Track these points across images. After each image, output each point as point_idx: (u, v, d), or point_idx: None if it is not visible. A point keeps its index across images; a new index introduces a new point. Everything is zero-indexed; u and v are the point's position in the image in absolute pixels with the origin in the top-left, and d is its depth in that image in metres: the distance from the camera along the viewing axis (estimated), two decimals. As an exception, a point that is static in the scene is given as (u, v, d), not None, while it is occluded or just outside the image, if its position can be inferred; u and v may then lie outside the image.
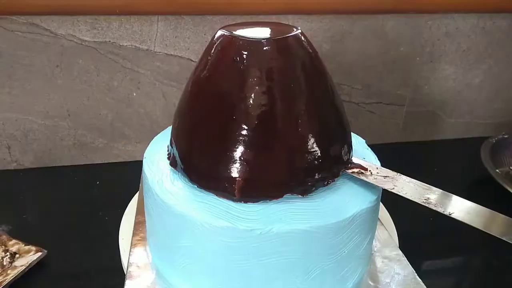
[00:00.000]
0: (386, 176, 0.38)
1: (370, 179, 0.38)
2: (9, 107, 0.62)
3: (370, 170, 0.39)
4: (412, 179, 0.38)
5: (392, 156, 0.74)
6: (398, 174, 0.39)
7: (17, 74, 0.60)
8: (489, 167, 0.63)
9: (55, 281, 0.47)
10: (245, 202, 0.35)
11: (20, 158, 0.66)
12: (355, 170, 0.39)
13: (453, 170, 0.72)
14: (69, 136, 0.66)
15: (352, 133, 0.46)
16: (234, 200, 0.35)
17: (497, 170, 0.63)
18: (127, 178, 0.61)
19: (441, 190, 0.37)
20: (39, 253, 0.48)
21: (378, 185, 0.37)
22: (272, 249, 0.33)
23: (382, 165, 0.41)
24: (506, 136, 0.70)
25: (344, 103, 0.73)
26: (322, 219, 0.34)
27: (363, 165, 0.39)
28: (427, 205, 0.35)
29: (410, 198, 0.36)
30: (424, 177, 0.71)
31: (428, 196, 0.36)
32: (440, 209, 0.35)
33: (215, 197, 0.35)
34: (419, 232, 0.56)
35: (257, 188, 0.35)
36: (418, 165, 0.72)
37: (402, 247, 0.44)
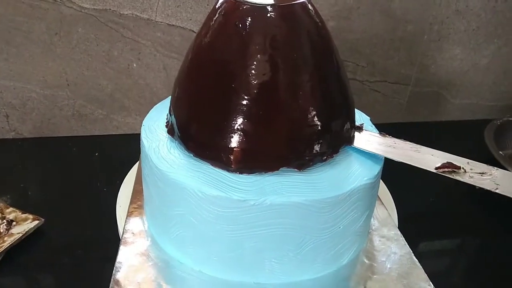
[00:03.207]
0: (482, 173, 0.34)
1: (465, 179, 0.33)
2: (7, 74, 0.61)
3: (463, 168, 0.34)
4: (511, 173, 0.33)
5: (395, 136, 0.74)
6: (494, 167, 0.34)
7: (15, 41, 0.59)
8: (493, 149, 0.62)
9: (52, 248, 0.47)
10: (240, 173, 0.34)
11: (18, 127, 0.66)
12: (447, 169, 0.34)
13: (456, 152, 0.70)
14: (68, 106, 0.65)
15: (356, 110, 0.45)
16: (229, 171, 0.34)
17: (501, 152, 0.62)
18: (126, 150, 0.60)
19: None
20: (36, 221, 0.48)
21: (478, 185, 0.33)
22: (265, 221, 0.32)
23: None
24: (511, 119, 0.69)
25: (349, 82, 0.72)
26: (318, 193, 0.33)
27: (453, 162, 0.35)
28: None
29: None
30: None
31: None
32: None
33: (211, 166, 0.35)
34: (420, 213, 0.56)
35: (253, 159, 0.34)
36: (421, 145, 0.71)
37: (402, 227, 0.44)
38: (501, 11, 0.69)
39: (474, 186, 0.34)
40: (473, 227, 0.55)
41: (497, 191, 0.32)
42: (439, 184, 0.61)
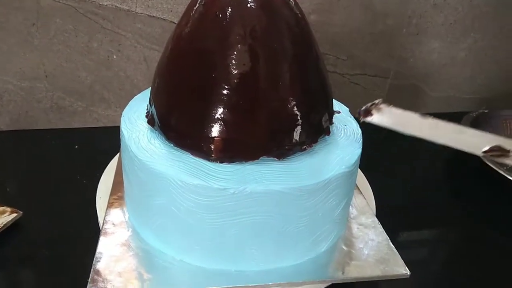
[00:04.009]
0: None
1: None
2: (-17, 66, 0.60)
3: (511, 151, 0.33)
4: None
5: (374, 128, 0.74)
6: None
7: (-9, 31, 0.58)
8: (468, 140, 0.63)
9: (31, 241, 0.47)
10: (221, 162, 0.35)
11: (-5, 120, 0.64)
12: (495, 153, 0.33)
13: (433, 143, 0.73)
14: (46, 98, 0.64)
15: (336, 101, 0.46)
16: (209, 160, 0.35)
17: (476, 144, 0.63)
18: (106, 143, 0.60)
19: None
20: (14, 214, 0.48)
21: None
22: (245, 209, 0.33)
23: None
24: (486, 111, 0.71)
25: (328, 73, 0.73)
26: (297, 181, 0.34)
27: (502, 145, 0.33)
28: None
29: None
30: (404, 148, 0.72)
31: None
32: None
33: (191, 156, 0.35)
34: (397, 203, 0.57)
35: (233, 148, 0.35)
36: (399, 137, 0.72)
37: (379, 216, 0.45)
38: (477, 5, 0.71)
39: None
40: (450, 217, 0.56)
41: None
42: (417, 174, 0.63)
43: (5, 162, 0.60)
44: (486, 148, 0.34)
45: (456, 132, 0.36)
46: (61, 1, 0.58)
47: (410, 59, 0.74)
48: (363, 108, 0.38)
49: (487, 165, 0.57)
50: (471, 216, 0.57)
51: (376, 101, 0.38)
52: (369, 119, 0.38)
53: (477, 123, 0.68)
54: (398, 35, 0.71)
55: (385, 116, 0.38)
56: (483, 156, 0.34)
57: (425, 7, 0.69)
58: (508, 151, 0.33)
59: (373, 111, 0.38)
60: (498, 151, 0.33)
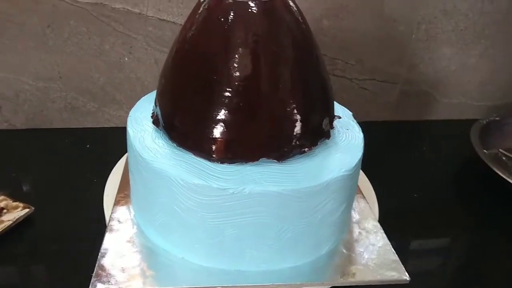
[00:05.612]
0: None
1: None
2: (0, 66, 0.62)
3: None
4: None
5: (383, 134, 0.74)
6: None
7: (8, 33, 0.60)
8: (478, 148, 0.63)
9: (42, 236, 0.48)
10: (222, 162, 0.35)
11: (11, 119, 0.66)
12: None
13: (442, 150, 0.72)
14: (60, 98, 0.66)
15: (339, 105, 0.47)
16: (210, 160, 0.35)
17: (485, 151, 0.63)
18: (117, 143, 0.61)
19: None
20: (27, 210, 0.49)
21: None
22: (244, 209, 0.34)
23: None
24: (497, 119, 0.71)
25: (337, 78, 0.73)
26: (295, 182, 0.34)
27: None
28: None
29: None
30: (413, 155, 0.71)
31: None
32: None
33: (193, 156, 0.36)
34: (401, 208, 0.57)
35: (234, 150, 0.35)
36: (408, 143, 0.72)
37: (382, 221, 0.45)
38: (488, 12, 0.70)
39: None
40: (455, 225, 0.56)
41: None
42: (422, 180, 0.63)
43: (20, 159, 0.62)
44: None
45: None
46: (75, 4, 0.59)
47: (419, 65, 0.74)
48: None
49: (493, 171, 0.57)
50: (477, 223, 0.57)
51: None
52: None
53: (487, 130, 0.68)
54: (407, 41, 0.71)
55: None
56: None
57: (435, 13, 0.69)
58: None
59: None
60: None
